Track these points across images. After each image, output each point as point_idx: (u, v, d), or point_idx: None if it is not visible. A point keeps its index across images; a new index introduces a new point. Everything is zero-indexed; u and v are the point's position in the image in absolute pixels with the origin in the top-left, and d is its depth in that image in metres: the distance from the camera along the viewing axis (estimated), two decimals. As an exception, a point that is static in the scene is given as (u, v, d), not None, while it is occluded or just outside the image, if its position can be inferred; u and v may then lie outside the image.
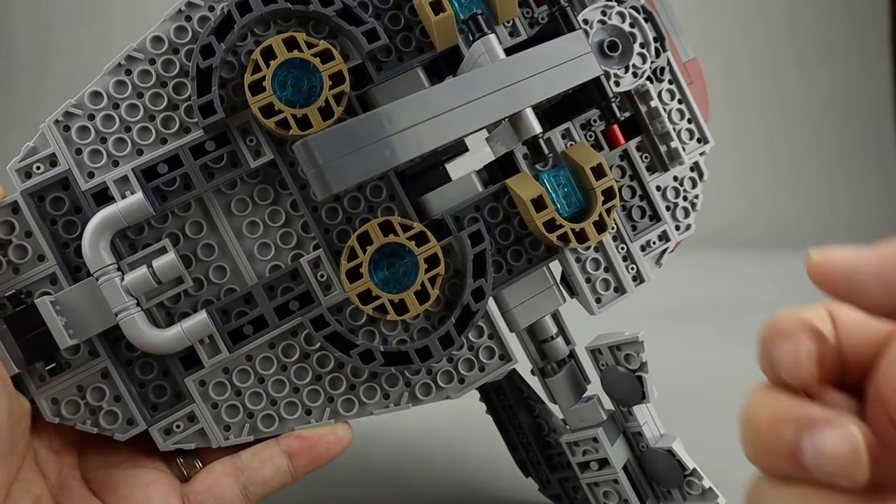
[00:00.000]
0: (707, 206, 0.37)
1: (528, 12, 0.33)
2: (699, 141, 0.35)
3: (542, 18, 0.33)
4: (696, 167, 0.36)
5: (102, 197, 0.30)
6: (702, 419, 0.51)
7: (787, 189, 1.42)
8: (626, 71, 0.32)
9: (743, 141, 1.41)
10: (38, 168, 0.29)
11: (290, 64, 0.29)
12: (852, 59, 1.59)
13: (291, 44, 0.29)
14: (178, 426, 0.31)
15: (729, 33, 1.62)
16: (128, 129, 0.30)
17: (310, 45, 0.29)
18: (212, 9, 0.29)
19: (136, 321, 0.29)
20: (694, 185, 0.36)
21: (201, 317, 0.30)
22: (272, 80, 0.28)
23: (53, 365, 0.30)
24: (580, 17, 0.32)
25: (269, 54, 0.29)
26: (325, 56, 0.29)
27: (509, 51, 0.30)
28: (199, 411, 0.31)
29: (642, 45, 0.33)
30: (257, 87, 0.29)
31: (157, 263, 0.29)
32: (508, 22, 0.32)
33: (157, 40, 0.30)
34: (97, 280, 0.29)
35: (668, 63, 0.34)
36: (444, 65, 0.33)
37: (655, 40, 0.33)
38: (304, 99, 0.29)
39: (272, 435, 0.31)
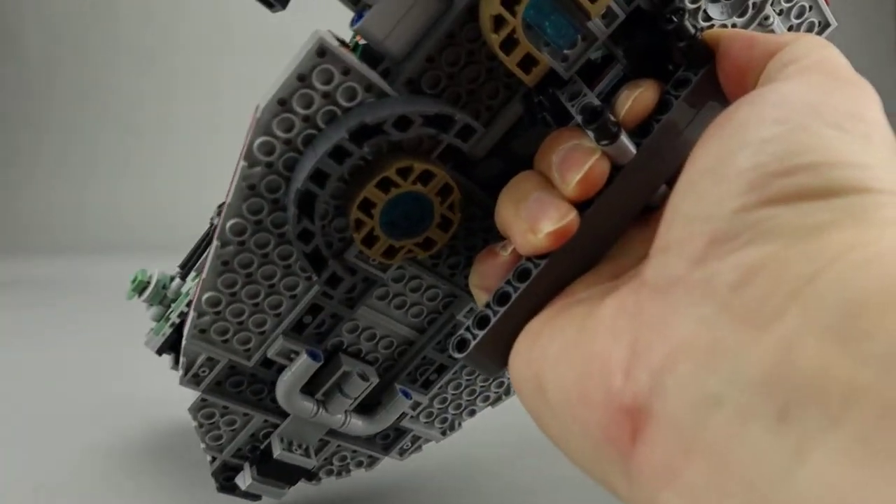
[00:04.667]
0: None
1: None
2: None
3: None
4: None
5: (270, 361, 0.30)
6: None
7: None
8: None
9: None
10: (204, 371, 0.30)
11: (392, 202, 0.25)
12: (861, 68, 1.64)
13: (386, 182, 0.25)
14: (406, 446, 0.37)
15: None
16: (256, 306, 0.28)
17: (403, 172, 0.24)
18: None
19: (353, 424, 0.32)
20: None
21: (396, 397, 0.33)
22: (380, 224, 0.25)
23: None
24: None
25: (367, 204, 0.25)
26: (425, 177, 0.25)
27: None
28: (420, 432, 0.37)
29: None
30: (370, 239, 0.26)
31: (346, 387, 0.31)
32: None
33: (236, 229, 0.26)
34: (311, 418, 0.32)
35: None
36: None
37: None
38: (418, 220, 0.26)
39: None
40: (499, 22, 0.22)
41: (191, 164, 1.46)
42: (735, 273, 0.16)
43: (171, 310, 0.40)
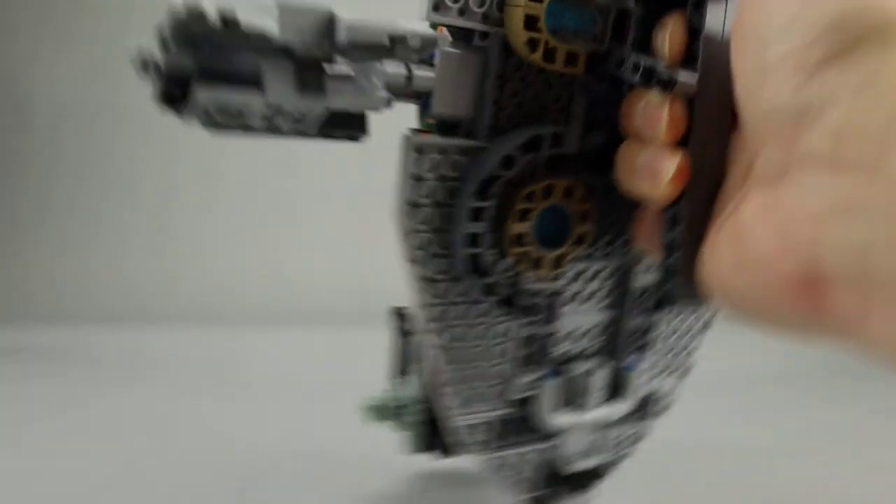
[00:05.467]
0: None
1: None
2: None
3: None
4: None
5: (519, 400, 0.34)
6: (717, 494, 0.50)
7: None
8: None
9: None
10: (476, 435, 0.34)
11: (536, 225, 0.29)
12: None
13: (523, 212, 0.28)
14: (658, 406, 0.39)
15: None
16: (488, 361, 0.32)
17: (529, 197, 0.28)
18: None
19: (612, 412, 0.36)
20: None
21: (628, 372, 0.36)
22: (537, 247, 0.29)
23: None
24: None
25: (519, 238, 0.29)
26: (548, 190, 0.29)
27: None
28: (663, 388, 0.39)
29: None
30: (536, 263, 0.29)
31: (589, 386, 0.35)
32: None
33: (434, 315, 0.30)
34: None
35: None
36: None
37: None
38: (563, 226, 0.30)
39: None
40: (532, 43, 0.25)
41: (193, 235, 1.43)
42: (827, 140, 0.18)
43: (406, 415, 0.45)
